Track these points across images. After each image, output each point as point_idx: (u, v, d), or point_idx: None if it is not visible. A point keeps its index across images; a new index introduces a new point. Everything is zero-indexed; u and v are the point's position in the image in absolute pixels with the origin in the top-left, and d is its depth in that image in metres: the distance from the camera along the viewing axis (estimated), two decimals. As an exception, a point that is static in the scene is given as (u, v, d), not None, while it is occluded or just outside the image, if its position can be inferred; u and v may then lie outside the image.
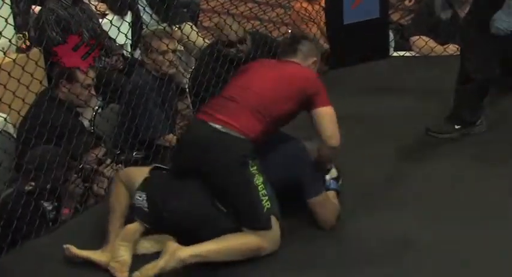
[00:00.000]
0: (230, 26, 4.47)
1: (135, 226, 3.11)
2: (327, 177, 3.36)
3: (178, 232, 3.07)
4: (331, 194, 3.31)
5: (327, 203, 3.23)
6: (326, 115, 3.17)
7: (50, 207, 3.51)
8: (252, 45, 4.62)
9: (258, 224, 3.04)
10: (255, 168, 3.03)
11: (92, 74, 4.04)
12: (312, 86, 3.18)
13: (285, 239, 3.11)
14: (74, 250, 3.09)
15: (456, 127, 3.93)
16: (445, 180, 3.56)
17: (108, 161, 3.75)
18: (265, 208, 3.03)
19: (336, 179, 3.38)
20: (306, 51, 3.34)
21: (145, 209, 3.11)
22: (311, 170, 3.20)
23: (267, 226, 3.03)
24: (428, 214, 3.31)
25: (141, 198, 3.12)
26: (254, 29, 4.74)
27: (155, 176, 3.20)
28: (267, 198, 3.04)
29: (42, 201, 3.47)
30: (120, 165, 3.75)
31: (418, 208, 3.36)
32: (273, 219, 3.06)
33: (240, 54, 4.57)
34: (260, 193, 3.03)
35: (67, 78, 3.98)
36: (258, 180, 3.03)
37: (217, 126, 3.07)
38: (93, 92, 4.06)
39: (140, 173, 3.20)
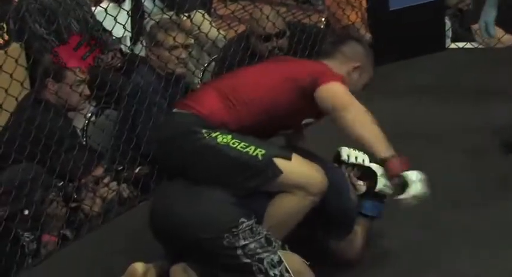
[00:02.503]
0: (267, 16, 4.45)
1: (143, 268, 3.09)
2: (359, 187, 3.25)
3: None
4: (361, 223, 3.23)
5: (352, 242, 3.20)
6: (331, 88, 3.01)
7: (30, 238, 3.52)
8: (291, 40, 4.60)
9: (264, 177, 2.98)
10: (213, 134, 3.00)
11: (83, 73, 4.05)
12: (314, 73, 3.06)
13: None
14: None
15: None
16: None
17: (107, 180, 3.76)
18: (260, 156, 2.98)
19: (379, 197, 3.22)
20: (349, 52, 3.23)
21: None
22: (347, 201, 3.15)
23: (275, 173, 2.98)
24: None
25: None
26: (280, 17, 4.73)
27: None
28: (253, 147, 2.99)
29: (20, 231, 3.47)
30: (123, 184, 3.78)
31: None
32: (281, 161, 2.99)
33: (278, 52, 4.54)
34: (237, 147, 2.98)
35: (54, 76, 4.00)
36: (224, 138, 2.99)
37: (174, 110, 3.14)
38: (86, 91, 4.07)
39: None
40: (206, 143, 3.00)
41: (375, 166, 3.19)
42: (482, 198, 3.58)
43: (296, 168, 3.01)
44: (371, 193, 3.21)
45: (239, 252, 2.96)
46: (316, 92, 3.01)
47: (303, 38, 4.66)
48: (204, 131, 3.01)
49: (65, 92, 3.99)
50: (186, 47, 4.32)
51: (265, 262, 2.95)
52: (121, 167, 3.90)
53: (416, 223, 3.40)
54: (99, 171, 3.76)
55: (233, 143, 3.00)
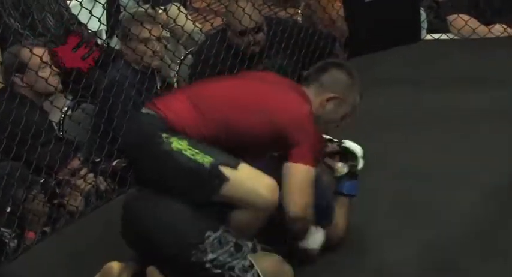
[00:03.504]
0: (243, 8, 4.40)
1: (119, 266, 3.11)
2: (341, 169, 3.27)
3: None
4: (343, 203, 3.25)
5: (336, 224, 3.22)
6: (296, 175, 3.02)
7: (11, 236, 3.51)
8: (268, 34, 4.55)
9: (211, 186, 2.95)
10: (170, 139, 2.97)
11: (40, 51, 3.94)
12: (294, 127, 3.01)
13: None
14: None
15: None
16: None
17: (83, 171, 3.77)
18: (206, 163, 2.95)
19: (353, 175, 3.26)
20: (328, 82, 3.15)
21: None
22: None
23: (222, 180, 2.94)
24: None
25: None
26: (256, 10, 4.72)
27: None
28: (202, 154, 2.95)
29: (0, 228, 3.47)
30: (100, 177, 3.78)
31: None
32: (226, 169, 2.96)
33: (254, 47, 4.51)
34: (188, 154, 2.95)
35: (17, 68, 3.96)
36: (179, 144, 2.96)
37: (143, 110, 3.11)
38: (54, 79, 4.03)
39: None
40: (163, 148, 2.98)
41: (353, 147, 3.26)
42: (462, 178, 3.64)
43: (242, 180, 2.98)
44: (350, 174, 3.26)
45: (208, 265, 2.97)
46: (286, 165, 3.01)
47: (279, 30, 4.64)
48: (164, 135, 2.99)
49: (32, 80, 3.95)
50: (159, 39, 4.30)
51: (236, 269, 2.97)
52: (98, 159, 3.90)
53: (399, 210, 3.47)
54: (75, 163, 3.75)
55: (185, 150, 2.97)
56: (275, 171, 3.02)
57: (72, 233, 3.63)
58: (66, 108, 4.36)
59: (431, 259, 3.20)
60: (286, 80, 3.29)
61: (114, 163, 3.96)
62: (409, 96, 4.37)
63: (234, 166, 2.98)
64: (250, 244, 3.03)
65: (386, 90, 4.47)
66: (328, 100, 3.14)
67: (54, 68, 4.02)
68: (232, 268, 2.97)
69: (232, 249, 2.98)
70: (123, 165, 3.96)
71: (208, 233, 2.98)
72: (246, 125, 3.03)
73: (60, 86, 4.07)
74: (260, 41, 4.54)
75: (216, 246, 2.97)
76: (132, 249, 3.15)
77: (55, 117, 4.24)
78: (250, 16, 4.45)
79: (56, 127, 4.21)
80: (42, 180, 3.62)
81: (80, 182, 3.76)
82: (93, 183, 3.84)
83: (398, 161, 3.79)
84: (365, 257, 3.25)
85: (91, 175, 3.84)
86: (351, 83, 3.18)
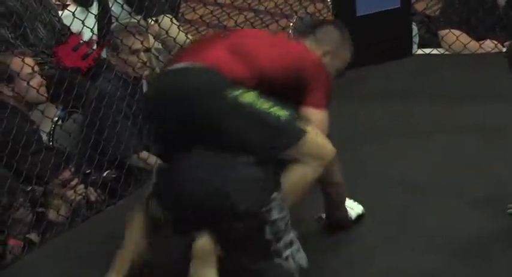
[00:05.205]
0: None
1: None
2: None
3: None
4: None
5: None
6: (318, 120, 3.06)
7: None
8: None
9: (288, 138, 2.93)
10: (236, 92, 2.91)
11: (30, 61, 3.94)
12: (310, 70, 3.08)
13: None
14: None
15: None
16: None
17: (74, 182, 3.76)
18: (284, 116, 2.93)
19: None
20: (322, 37, 3.25)
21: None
22: None
23: (300, 132, 2.94)
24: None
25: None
26: (248, 22, 4.73)
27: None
28: (276, 107, 2.93)
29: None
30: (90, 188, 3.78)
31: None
32: (301, 123, 2.98)
33: None
34: (259, 106, 2.91)
35: (6, 78, 3.94)
36: (248, 97, 2.92)
37: (180, 65, 3.01)
38: (42, 89, 4.02)
39: None
40: (230, 103, 2.91)
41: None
42: (456, 188, 3.67)
43: (315, 134, 3.00)
44: None
45: (267, 228, 2.87)
46: (304, 108, 3.05)
47: None
48: (228, 89, 2.92)
49: (22, 89, 3.93)
50: (147, 49, 4.30)
51: (282, 242, 2.90)
52: (88, 171, 3.90)
53: (393, 220, 3.49)
54: (66, 174, 3.75)
55: (257, 103, 2.93)
56: None
57: (62, 244, 3.61)
58: (56, 118, 4.36)
59: (425, 267, 3.22)
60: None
61: (104, 174, 3.96)
62: (400, 110, 4.38)
63: (305, 120, 3.02)
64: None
65: (378, 104, 4.48)
66: (324, 55, 3.22)
67: (42, 78, 4.03)
68: (279, 240, 2.89)
69: (288, 217, 2.92)
70: (114, 175, 3.96)
71: (274, 194, 2.90)
72: (276, 72, 3.03)
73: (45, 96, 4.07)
74: None
75: (280, 207, 2.89)
76: (173, 212, 2.93)
77: (46, 127, 4.24)
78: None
79: (46, 137, 4.20)
80: (29, 188, 3.61)
81: (70, 193, 3.75)
82: (83, 194, 3.84)
83: (391, 172, 3.80)
84: (359, 266, 3.26)
85: (81, 186, 3.83)
86: (343, 39, 3.31)
